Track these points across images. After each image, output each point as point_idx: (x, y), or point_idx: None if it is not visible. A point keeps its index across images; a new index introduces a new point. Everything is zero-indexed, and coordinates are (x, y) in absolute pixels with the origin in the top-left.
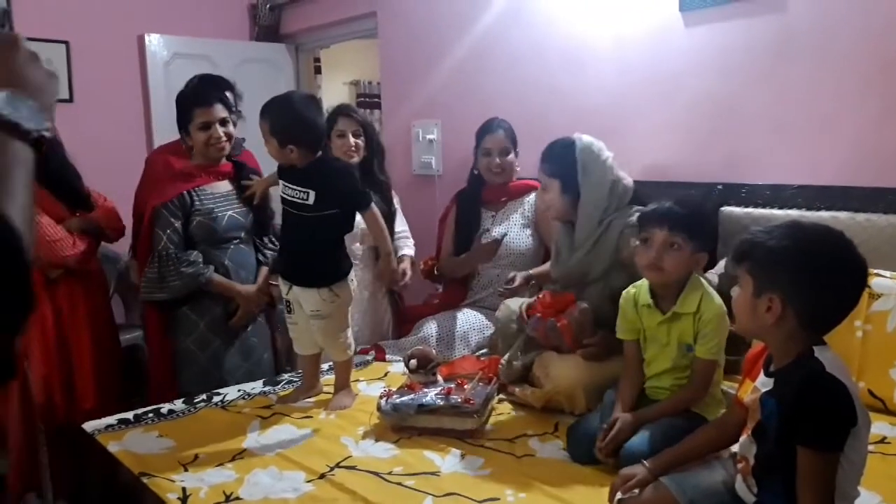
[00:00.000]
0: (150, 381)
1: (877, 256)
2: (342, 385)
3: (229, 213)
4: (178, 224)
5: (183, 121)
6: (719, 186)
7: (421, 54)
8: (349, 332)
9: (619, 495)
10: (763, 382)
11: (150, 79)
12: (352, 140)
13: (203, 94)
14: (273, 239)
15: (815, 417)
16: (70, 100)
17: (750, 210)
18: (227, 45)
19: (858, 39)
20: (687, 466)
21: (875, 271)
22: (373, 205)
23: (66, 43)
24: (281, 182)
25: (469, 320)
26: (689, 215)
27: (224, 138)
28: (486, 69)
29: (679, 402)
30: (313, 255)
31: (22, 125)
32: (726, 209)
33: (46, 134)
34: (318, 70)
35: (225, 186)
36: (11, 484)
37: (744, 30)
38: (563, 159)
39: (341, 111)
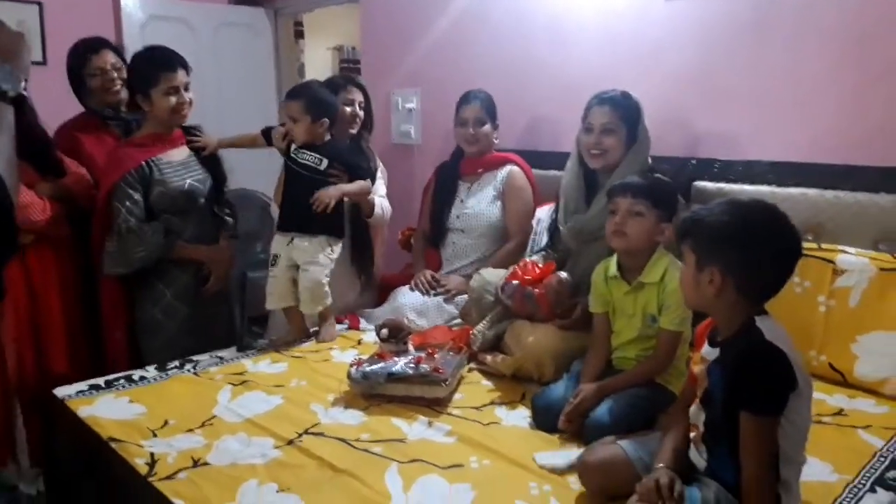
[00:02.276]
0: (106, 352)
1: (842, 233)
2: (325, 318)
3: (189, 180)
4: (137, 196)
5: (143, 86)
6: (693, 161)
7: (403, 21)
8: (328, 287)
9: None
10: (708, 352)
11: (125, 41)
12: (359, 110)
13: (167, 57)
14: (229, 203)
15: (755, 383)
16: (43, 62)
17: (722, 185)
18: (205, 7)
19: (836, 12)
20: (646, 434)
21: (840, 248)
22: (375, 180)
23: (39, 4)
24: (294, 147)
25: None
26: (651, 185)
27: (188, 104)
28: (468, 39)
29: (642, 373)
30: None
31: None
32: (699, 184)
33: (24, 93)
34: (300, 35)
35: (181, 154)
36: None
37: (723, 2)
38: (628, 108)
39: (351, 80)
